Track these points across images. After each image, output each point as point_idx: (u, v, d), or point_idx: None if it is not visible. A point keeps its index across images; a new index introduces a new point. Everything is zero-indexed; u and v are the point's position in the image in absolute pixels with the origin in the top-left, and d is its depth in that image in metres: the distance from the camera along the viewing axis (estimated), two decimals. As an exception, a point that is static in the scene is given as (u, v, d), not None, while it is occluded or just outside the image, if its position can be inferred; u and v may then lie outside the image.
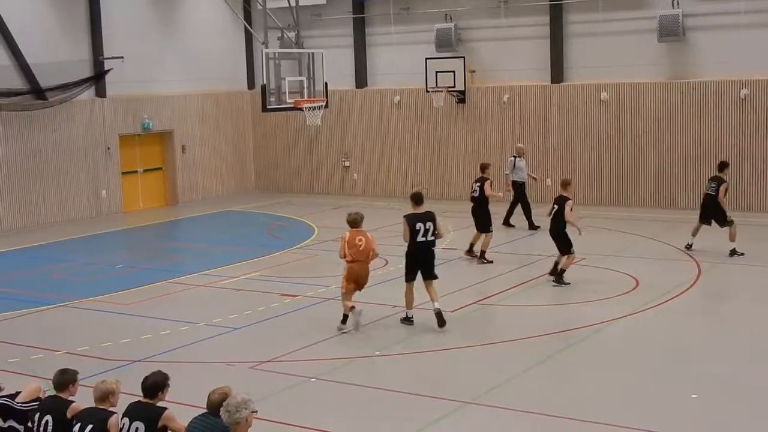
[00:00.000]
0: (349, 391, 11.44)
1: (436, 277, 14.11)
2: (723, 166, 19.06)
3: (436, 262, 14.28)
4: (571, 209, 16.36)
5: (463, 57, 27.00)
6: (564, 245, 16.45)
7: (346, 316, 14.03)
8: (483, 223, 18.74)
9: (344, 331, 13.97)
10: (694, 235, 18.97)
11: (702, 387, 11.26)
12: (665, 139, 24.79)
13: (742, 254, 18.19)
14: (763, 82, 23.52)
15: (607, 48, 25.45)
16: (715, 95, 24.14)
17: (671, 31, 24.21)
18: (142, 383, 8.10)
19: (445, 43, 27.17)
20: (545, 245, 18.33)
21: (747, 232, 19.54)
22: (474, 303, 15.47)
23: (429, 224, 13.87)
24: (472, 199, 19.12)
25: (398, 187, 28.05)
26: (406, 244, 14.01)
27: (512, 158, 22.67)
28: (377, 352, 12.99)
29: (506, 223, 22.32)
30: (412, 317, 14.28)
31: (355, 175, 29.04)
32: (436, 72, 26.97)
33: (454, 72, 26.82)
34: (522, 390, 11.36)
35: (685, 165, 24.59)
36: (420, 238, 13.86)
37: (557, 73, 26.22)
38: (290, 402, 11.10)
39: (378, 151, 28.86)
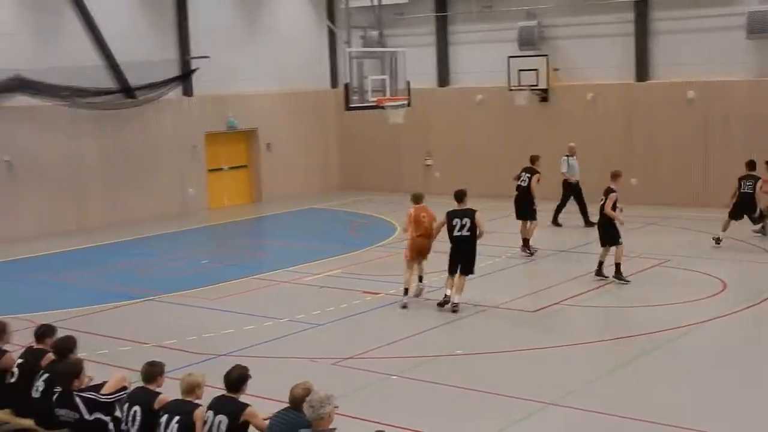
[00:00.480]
0: (429, 389, 11.46)
1: (470, 273, 15.07)
2: (751, 165, 19.77)
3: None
4: (614, 202, 16.36)
5: (547, 55, 26.77)
6: (604, 237, 16.51)
7: (406, 290, 15.28)
8: (528, 211, 18.96)
9: (404, 304, 15.10)
10: (724, 230, 19.23)
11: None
12: (754, 138, 24.17)
13: None
14: None
15: (693, 45, 24.96)
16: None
17: (760, 27, 23.62)
18: (226, 377, 8.25)
19: (528, 41, 26.97)
20: (631, 245, 18.10)
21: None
22: (555, 304, 15.34)
23: (465, 220, 14.87)
24: (518, 188, 19.48)
25: (480, 185, 27.91)
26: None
27: (565, 157, 22.70)
28: (458, 351, 12.98)
29: (555, 222, 22.46)
30: (448, 300, 15.03)
31: (437, 173, 29.02)
32: (519, 70, 26.80)
33: (537, 70, 26.63)
34: (604, 392, 11.23)
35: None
36: (456, 233, 14.94)
37: (642, 71, 25.82)
38: (371, 399, 11.17)
39: (460, 150, 28.81)
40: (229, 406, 8.09)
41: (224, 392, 8.27)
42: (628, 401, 10.83)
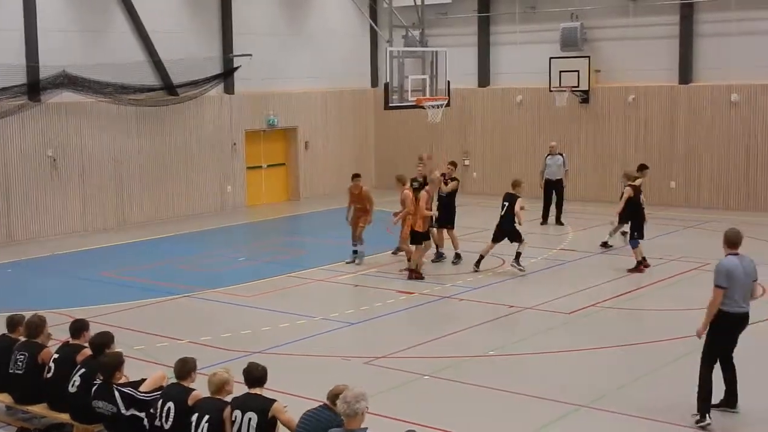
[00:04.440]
0: (462, 389, 11.44)
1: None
2: None
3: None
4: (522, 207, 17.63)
5: (588, 56, 26.60)
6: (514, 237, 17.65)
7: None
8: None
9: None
10: None
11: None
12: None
13: None
14: None
15: (738, 48, 24.67)
16: None
17: (808, 30, 23.32)
18: (249, 374, 8.29)
19: (571, 42, 26.80)
20: (669, 248, 17.97)
21: None
22: (590, 305, 15.24)
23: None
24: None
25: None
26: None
27: (545, 156, 23.28)
28: (491, 352, 12.95)
29: (545, 222, 23.06)
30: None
31: (474, 173, 28.96)
32: (560, 71, 26.67)
33: (578, 71, 26.47)
34: (637, 396, 11.13)
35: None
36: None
37: (685, 74, 25.55)
38: (403, 398, 11.17)
39: (499, 150, 28.72)
40: (257, 403, 8.14)
41: (246, 391, 8.30)
42: (661, 405, 10.74)
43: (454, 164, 19.82)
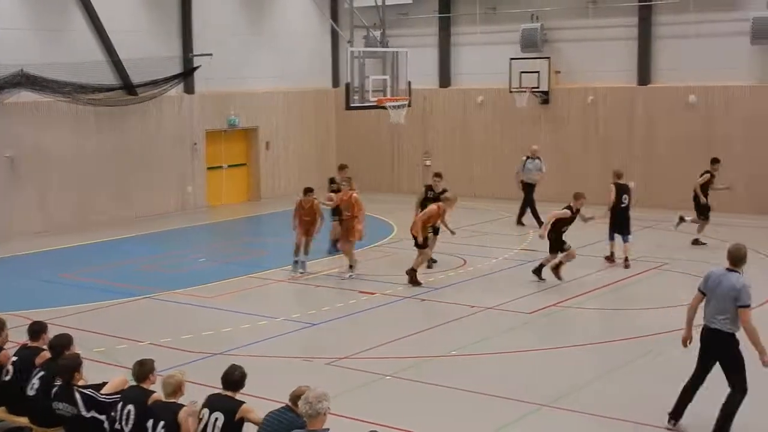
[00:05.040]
0: (424, 389, 11.47)
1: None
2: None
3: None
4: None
5: (549, 57, 26.79)
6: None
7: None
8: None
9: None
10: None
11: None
12: (756, 145, 24.20)
13: None
14: None
15: (696, 50, 24.93)
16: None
17: (765, 33, 23.60)
18: (226, 377, 8.25)
19: (531, 43, 26.98)
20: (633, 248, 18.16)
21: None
22: (553, 305, 15.36)
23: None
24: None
25: (480, 186, 27.97)
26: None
27: (524, 158, 23.22)
28: (453, 352, 13.00)
29: (519, 222, 23.10)
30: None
31: (430, 170, 28.92)
32: (521, 72, 26.83)
33: (538, 72, 26.65)
34: (597, 395, 11.24)
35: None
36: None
37: (644, 75, 25.83)
38: (366, 399, 11.18)
39: (460, 151, 28.82)
40: (225, 404, 8.13)
41: (220, 391, 8.28)
42: (620, 403, 10.85)
43: (439, 175, 19.23)
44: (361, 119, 28.88)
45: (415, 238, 17.08)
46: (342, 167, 20.51)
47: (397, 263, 18.77)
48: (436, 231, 17.92)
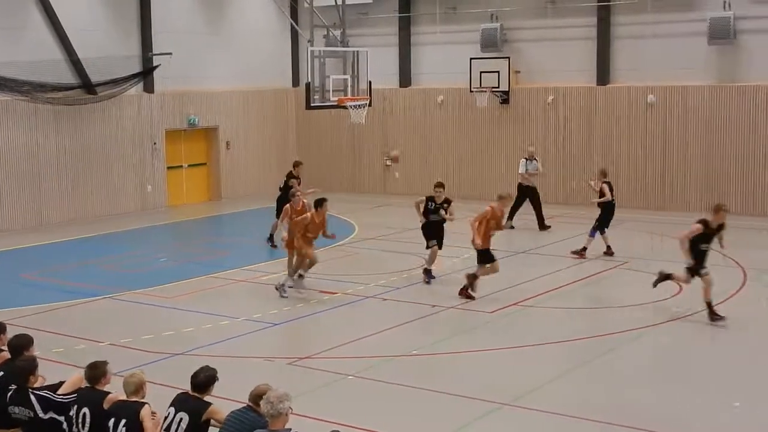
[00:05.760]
0: (386, 389, 11.48)
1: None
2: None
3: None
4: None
5: (508, 57, 26.93)
6: None
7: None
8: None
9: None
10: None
11: (745, 395, 11.15)
12: (714, 144, 24.52)
13: None
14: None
15: (655, 50, 25.21)
16: (763, 100, 23.86)
17: (721, 33, 23.91)
18: (193, 378, 8.19)
19: (491, 43, 27.11)
20: (592, 248, 18.31)
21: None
22: (514, 304, 15.43)
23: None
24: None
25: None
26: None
27: (522, 160, 22.91)
28: (414, 351, 13.02)
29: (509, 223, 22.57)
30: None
31: (396, 173, 29.07)
32: (481, 72, 26.94)
33: (498, 72, 26.77)
34: (559, 393, 11.32)
35: (735, 170, 24.34)
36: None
37: (603, 75, 26.06)
38: (327, 399, 11.17)
39: (420, 150, 28.88)
40: (192, 405, 8.07)
41: (188, 391, 8.22)
42: (581, 402, 10.93)
43: (441, 185, 17.27)
44: (321, 119, 28.85)
45: (480, 251, 15.81)
46: (297, 164, 20.57)
47: (358, 263, 18.78)
48: (440, 243, 17.05)
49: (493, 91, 26.96)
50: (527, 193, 22.71)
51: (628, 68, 25.77)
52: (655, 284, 14.83)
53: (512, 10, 26.91)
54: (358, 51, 22.31)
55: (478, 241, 15.57)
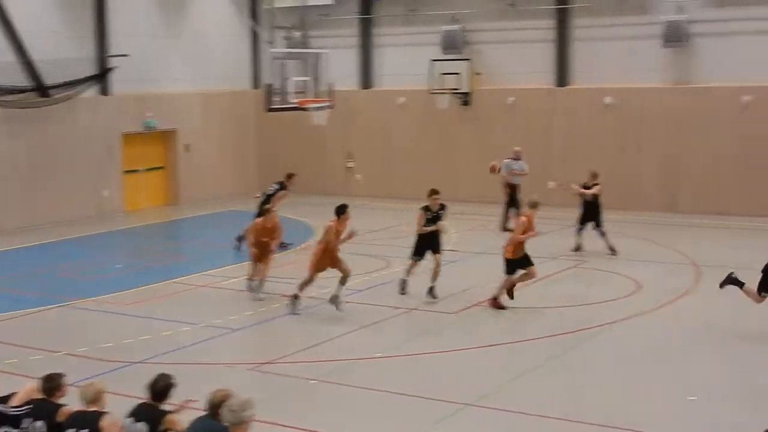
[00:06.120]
0: (349, 393, 11.38)
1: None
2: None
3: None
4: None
5: (469, 59, 26.97)
6: None
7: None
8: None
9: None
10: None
11: (702, 389, 11.24)
12: (669, 144, 24.77)
13: None
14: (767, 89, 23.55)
15: (612, 52, 25.42)
16: (717, 101, 24.16)
17: (676, 36, 24.22)
18: (151, 387, 8.01)
19: (452, 44, 27.13)
20: (546, 247, 18.33)
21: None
22: (475, 305, 15.39)
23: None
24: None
25: (401, 188, 27.96)
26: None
27: (507, 161, 22.75)
28: (377, 354, 12.92)
29: (505, 228, 22.14)
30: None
31: (358, 176, 28.97)
32: (442, 74, 26.96)
33: (459, 74, 26.81)
34: (523, 392, 11.29)
35: (688, 169, 24.59)
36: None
37: (562, 77, 26.19)
38: (290, 404, 11.04)
39: (382, 152, 28.81)
40: (150, 414, 7.89)
41: (146, 400, 8.04)
42: (543, 401, 10.90)
43: (436, 192, 16.22)
44: (282, 121, 28.64)
45: (510, 261, 15.17)
46: (290, 176, 19.98)
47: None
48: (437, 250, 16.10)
49: (453, 93, 26.96)
50: (514, 191, 22.49)
51: (586, 70, 25.93)
52: (722, 286, 14.06)
53: (473, 12, 26.95)
54: (318, 52, 22.22)
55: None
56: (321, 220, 23.85)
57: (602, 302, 15.43)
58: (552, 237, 19.97)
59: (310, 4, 25.49)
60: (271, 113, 22.50)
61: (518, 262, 15.16)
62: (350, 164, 28.83)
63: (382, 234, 17.71)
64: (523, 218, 15.42)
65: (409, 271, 16.27)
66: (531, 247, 15.41)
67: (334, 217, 15.11)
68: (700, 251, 18.87)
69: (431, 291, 15.80)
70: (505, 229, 22.00)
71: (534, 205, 15.52)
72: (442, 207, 16.14)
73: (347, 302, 15.69)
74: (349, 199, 27.29)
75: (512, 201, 22.50)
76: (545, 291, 16.53)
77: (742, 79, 23.79)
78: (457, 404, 10.80)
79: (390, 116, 28.68)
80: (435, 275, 15.82)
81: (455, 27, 27.07)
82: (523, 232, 15.02)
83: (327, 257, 14.94)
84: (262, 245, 16.16)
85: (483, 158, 26.39)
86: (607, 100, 25.34)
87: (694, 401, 10.98)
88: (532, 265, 15.26)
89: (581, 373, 12.20)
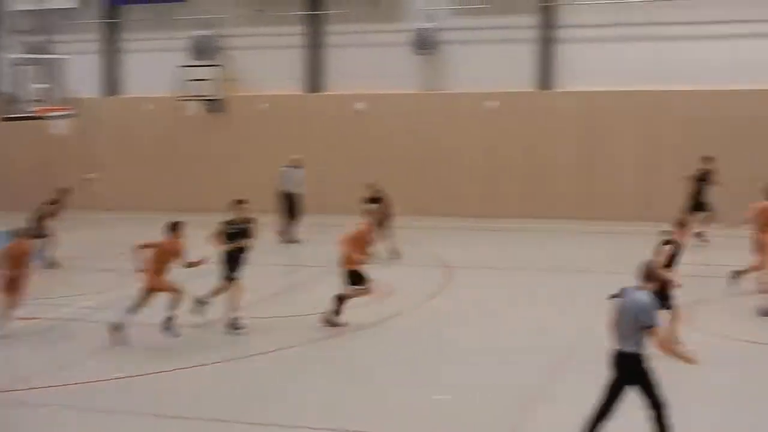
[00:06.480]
0: (90, 418, 10.81)
1: None
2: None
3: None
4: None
5: (222, 65, 26.62)
6: None
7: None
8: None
9: None
10: None
11: (446, 390, 11.42)
12: (418, 148, 25.43)
13: None
14: (512, 95, 24.64)
15: (364, 59, 25.83)
16: (463, 107, 25.09)
17: (426, 44, 24.94)
18: None
19: (204, 50, 26.68)
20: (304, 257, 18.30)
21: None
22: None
23: None
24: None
25: (146, 198, 27.03)
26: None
27: (284, 168, 22.35)
28: (119, 374, 12.36)
29: (289, 240, 21.99)
30: None
31: (96, 185, 27.28)
32: (191, 80, 26.40)
33: (210, 80, 26.41)
34: (282, 404, 11.14)
35: (437, 173, 25.35)
36: None
37: (314, 83, 26.38)
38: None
39: (127, 162, 27.77)
40: None
41: None
42: (300, 408, 10.81)
43: (244, 201, 14.72)
44: (16, 130, 26.57)
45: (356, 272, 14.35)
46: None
47: (62, 283, 17.72)
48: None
49: (205, 100, 26.49)
50: (293, 200, 22.03)
51: (339, 76, 26.20)
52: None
53: (225, 18, 26.60)
54: (60, 58, 21.18)
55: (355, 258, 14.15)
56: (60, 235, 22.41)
57: (349, 308, 15.43)
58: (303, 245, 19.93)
59: (52, 6, 24.27)
60: (6, 123, 21.12)
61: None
62: (90, 175, 26.98)
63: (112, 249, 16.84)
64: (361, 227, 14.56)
65: (236, 300, 14.26)
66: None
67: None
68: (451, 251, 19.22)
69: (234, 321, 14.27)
70: (290, 241, 21.74)
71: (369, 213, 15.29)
72: (250, 220, 14.50)
73: (91, 321, 14.97)
74: (89, 212, 25.78)
75: (292, 211, 22.07)
76: (293, 298, 16.39)
77: (488, 85, 24.73)
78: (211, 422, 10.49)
79: (137, 124, 27.75)
80: (236, 299, 14.23)
81: (207, 32, 26.63)
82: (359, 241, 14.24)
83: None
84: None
85: (236, 166, 26.16)
86: (359, 106, 25.72)
87: (439, 401, 11.03)
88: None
89: (328, 377, 12.16)
